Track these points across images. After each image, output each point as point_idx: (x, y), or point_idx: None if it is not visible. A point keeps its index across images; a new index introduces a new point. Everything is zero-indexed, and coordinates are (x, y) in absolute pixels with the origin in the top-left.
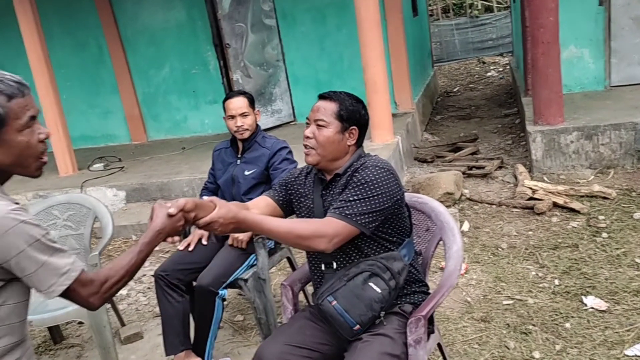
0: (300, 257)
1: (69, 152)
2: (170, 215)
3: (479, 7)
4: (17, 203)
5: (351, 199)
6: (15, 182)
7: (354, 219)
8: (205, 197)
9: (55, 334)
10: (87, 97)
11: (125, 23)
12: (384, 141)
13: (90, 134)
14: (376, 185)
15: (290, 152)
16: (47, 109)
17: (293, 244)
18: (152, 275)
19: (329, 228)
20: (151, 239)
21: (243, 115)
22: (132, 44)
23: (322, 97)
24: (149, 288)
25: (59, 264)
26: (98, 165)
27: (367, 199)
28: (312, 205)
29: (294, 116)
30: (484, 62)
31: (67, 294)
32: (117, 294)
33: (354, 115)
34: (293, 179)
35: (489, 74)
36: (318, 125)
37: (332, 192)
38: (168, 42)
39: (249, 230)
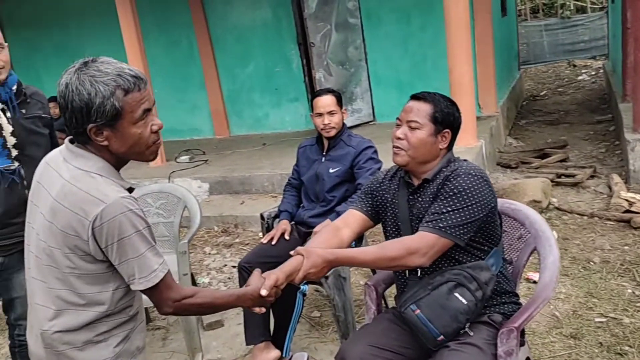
0: None
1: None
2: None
3: (571, 7)
4: (131, 189)
5: (444, 210)
6: None
7: (449, 232)
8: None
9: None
10: (176, 92)
11: (215, 22)
12: (467, 145)
13: (178, 128)
14: (470, 195)
15: (375, 151)
16: None
17: (389, 267)
18: (234, 266)
19: (420, 243)
20: (239, 300)
21: (331, 113)
22: (221, 42)
23: (415, 97)
24: (229, 278)
25: (153, 260)
26: (184, 158)
27: (461, 210)
28: (397, 211)
29: (374, 116)
30: (574, 65)
31: (148, 290)
32: (200, 283)
33: (448, 118)
34: (378, 185)
35: (580, 77)
36: (410, 126)
37: (420, 199)
38: (254, 41)
39: (344, 266)
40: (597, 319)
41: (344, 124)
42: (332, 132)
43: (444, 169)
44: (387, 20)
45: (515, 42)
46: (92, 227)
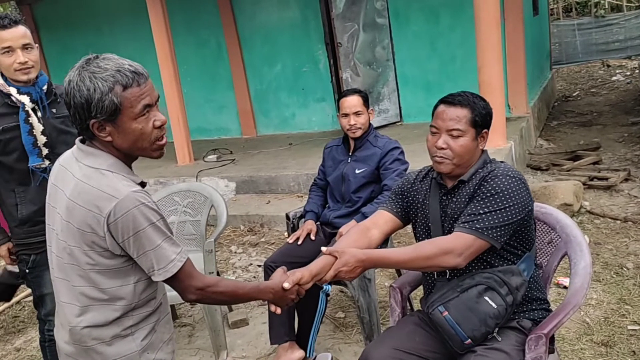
0: None
1: (187, 143)
2: (284, 289)
3: (606, 6)
4: (143, 183)
5: (481, 211)
6: (139, 169)
7: (485, 233)
8: (324, 249)
9: (171, 312)
10: (204, 91)
11: (243, 22)
12: (496, 146)
13: (206, 127)
14: (508, 196)
15: (402, 152)
16: (170, 102)
17: (423, 267)
18: (259, 265)
19: (456, 243)
20: (260, 293)
21: (357, 114)
22: (249, 42)
23: (448, 102)
24: (254, 277)
25: (170, 250)
26: (212, 157)
27: (498, 211)
28: (428, 212)
29: (401, 117)
30: (608, 65)
31: (170, 280)
32: None
33: (485, 119)
34: (409, 186)
35: (614, 77)
36: (452, 135)
37: (455, 200)
38: (281, 41)
39: (376, 267)
40: (630, 327)
41: (370, 125)
42: (358, 133)
43: (480, 170)
44: (416, 20)
45: (547, 41)
46: (107, 222)
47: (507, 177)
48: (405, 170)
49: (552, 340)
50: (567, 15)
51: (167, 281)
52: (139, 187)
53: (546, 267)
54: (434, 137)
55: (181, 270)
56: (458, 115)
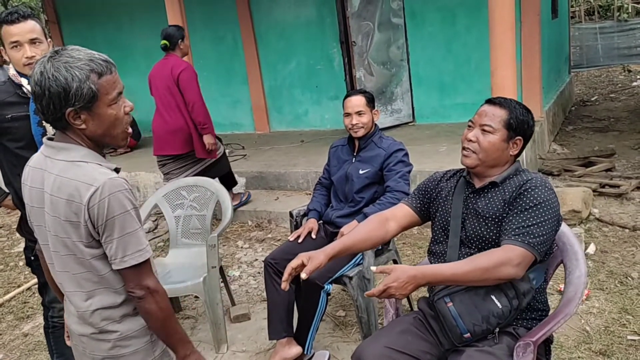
0: (406, 260)
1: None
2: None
3: (629, 9)
4: (117, 169)
5: (529, 223)
6: (153, 161)
7: (536, 248)
8: (373, 268)
9: (175, 304)
10: (219, 86)
11: (260, 19)
12: None
13: (220, 121)
14: (549, 208)
15: (406, 154)
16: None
17: (480, 280)
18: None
19: (511, 254)
20: (186, 343)
21: (359, 113)
22: (264, 39)
23: (491, 102)
24: (259, 272)
25: (142, 240)
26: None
27: (543, 223)
28: (449, 208)
29: (414, 117)
30: (629, 71)
31: (128, 271)
32: (231, 275)
33: (522, 126)
34: (435, 183)
35: (634, 83)
36: (483, 130)
37: (483, 199)
38: (297, 38)
39: (429, 284)
40: (629, 337)
41: (375, 125)
42: (360, 133)
43: (513, 176)
44: (432, 21)
45: (566, 45)
46: (88, 210)
47: (546, 188)
48: (409, 172)
49: (548, 348)
50: (590, 19)
51: (124, 271)
52: (115, 174)
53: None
54: (468, 130)
55: (144, 263)
56: (494, 114)
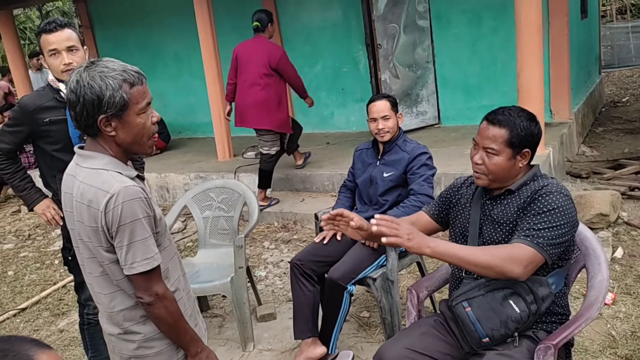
0: (431, 263)
1: (227, 140)
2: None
3: None
4: (140, 177)
5: (540, 226)
6: (182, 163)
7: (545, 249)
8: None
9: (203, 303)
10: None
11: (286, 22)
12: None
13: None
14: (563, 214)
15: (430, 157)
16: (213, 99)
17: (483, 265)
18: (289, 262)
19: (521, 254)
20: (197, 342)
21: (384, 118)
22: (291, 42)
23: (489, 121)
24: (284, 273)
25: (151, 249)
26: (250, 154)
27: (555, 227)
28: (467, 214)
29: (439, 119)
30: None
31: (137, 277)
32: (257, 276)
33: (526, 139)
34: (455, 190)
35: None
36: (487, 152)
37: (499, 206)
38: (323, 41)
39: (435, 253)
40: None
41: (399, 129)
42: (386, 137)
43: (530, 182)
44: (457, 22)
45: (596, 44)
46: (104, 216)
47: (561, 195)
48: (433, 175)
49: (569, 352)
50: (622, 17)
51: (133, 277)
52: (132, 182)
53: (566, 279)
54: (474, 151)
55: (153, 271)
56: (494, 135)
